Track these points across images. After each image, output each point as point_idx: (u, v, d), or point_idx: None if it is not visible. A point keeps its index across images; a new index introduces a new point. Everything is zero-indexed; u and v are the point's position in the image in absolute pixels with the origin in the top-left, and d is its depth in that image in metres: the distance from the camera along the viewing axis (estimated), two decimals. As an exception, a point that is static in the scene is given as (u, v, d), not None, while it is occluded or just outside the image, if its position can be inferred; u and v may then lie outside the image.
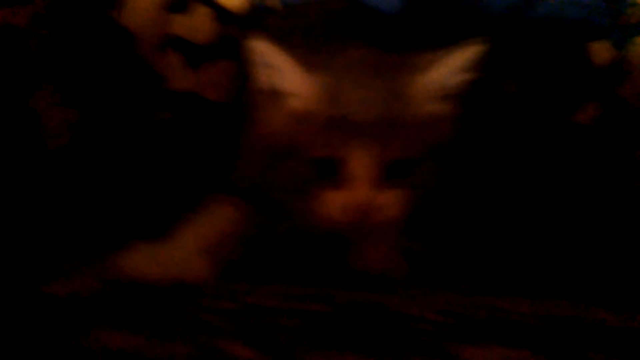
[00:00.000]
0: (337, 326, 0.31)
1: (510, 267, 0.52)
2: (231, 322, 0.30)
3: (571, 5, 0.62)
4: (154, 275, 0.36)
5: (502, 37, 0.62)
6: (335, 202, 0.37)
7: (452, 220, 0.60)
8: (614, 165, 0.59)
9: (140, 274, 0.36)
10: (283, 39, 0.40)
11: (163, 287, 0.36)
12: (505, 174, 0.61)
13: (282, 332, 0.29)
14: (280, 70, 0.39)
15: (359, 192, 0.36)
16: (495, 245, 0.57)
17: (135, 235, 0.40)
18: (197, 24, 0.61)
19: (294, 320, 0.31)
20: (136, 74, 0.60)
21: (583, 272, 0.52)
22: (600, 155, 0.59)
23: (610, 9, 0.60)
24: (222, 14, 0.62)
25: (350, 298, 0.36)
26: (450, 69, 0.39)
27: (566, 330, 0.33)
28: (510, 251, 0.56)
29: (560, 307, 0.39)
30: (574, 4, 0.62)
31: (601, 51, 0.61)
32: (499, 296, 0.41)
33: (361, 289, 0.39)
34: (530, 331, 0.33)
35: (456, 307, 0.36)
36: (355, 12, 0.57)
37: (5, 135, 0.59)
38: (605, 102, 0.60)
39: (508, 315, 0.36)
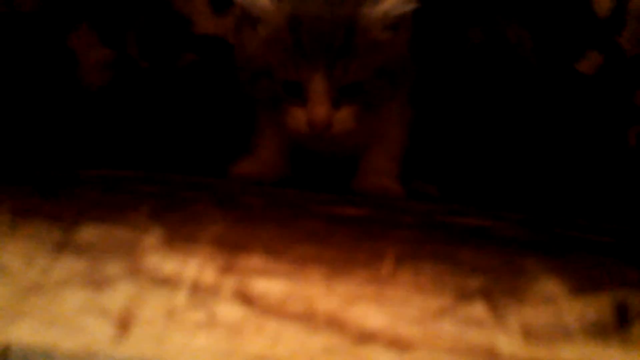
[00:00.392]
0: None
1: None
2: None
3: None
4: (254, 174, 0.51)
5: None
6: (301, 118, 0.44)
7: (459, 159, 0.65)
8: (613, 111, 0.63)
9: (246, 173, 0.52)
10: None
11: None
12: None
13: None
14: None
15: (318, 110, 0.43)
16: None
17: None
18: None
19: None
20: (165, 17, 0.65)
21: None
22: (600, 102, 0.63)
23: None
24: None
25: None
26: (392, 3, 0.45)
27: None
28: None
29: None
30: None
31: (603, 1, 0.64)
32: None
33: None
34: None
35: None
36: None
37: (44, 76, 0.64)
38: (606, 51, 0.64)
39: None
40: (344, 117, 0.44)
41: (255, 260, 0.23)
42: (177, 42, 0.65)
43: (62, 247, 0.25)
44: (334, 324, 0.21)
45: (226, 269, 0.23)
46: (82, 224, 0.26)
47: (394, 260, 0.23)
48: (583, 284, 0.19)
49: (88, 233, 0.25)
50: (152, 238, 0.24)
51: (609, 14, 0.63)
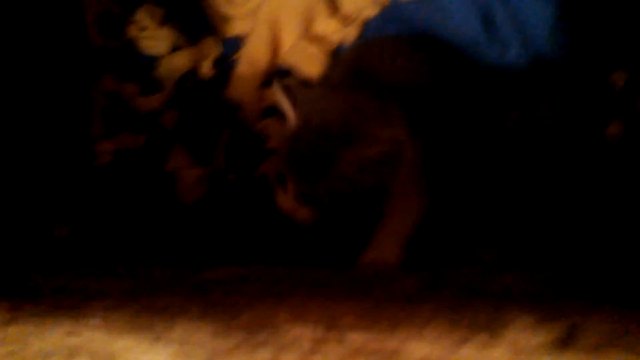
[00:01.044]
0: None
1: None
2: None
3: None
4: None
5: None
6: (282, 200, 0.58)
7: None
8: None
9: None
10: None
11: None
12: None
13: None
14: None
15: (285, 201, 0.58)
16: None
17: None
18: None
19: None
20: (245, 135, 0.79)
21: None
22: (627, 167, 0.70)
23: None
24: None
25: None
26: (374, 155, 0.55)
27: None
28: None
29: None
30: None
31: (617, 78, 0.73)
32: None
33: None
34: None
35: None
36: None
37: (146, 195, 0.78)
38: (628, 119, 0.72)
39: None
40: (306, 214, 0.58)
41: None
42: (255, 156, 0.78)
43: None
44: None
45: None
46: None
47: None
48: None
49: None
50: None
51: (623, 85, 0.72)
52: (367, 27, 0.88)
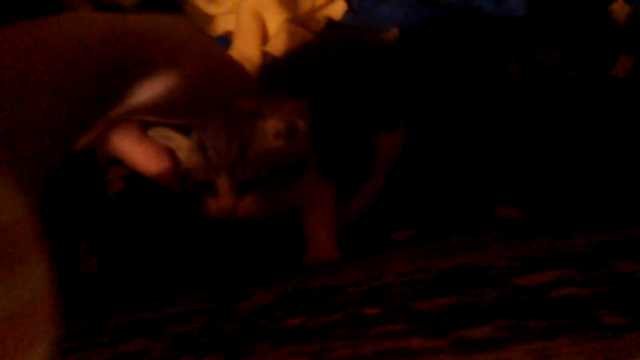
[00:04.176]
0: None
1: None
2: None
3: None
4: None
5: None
6: (213, 206, 0.57)
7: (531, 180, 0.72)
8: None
9: None
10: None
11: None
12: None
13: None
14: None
15: (223, 201, 0.57)
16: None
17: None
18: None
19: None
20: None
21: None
22: (636, 103, 0.69)
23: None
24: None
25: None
26: (281, 119, 0.57)
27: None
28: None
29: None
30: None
31: (619, 10, 0.70)
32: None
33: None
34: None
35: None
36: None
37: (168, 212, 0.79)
38: (635, 53, 0.70)
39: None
40: (247, 203, 0.57)
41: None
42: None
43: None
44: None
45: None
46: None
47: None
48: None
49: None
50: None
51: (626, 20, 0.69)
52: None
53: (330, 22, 0.86)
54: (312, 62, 0.74)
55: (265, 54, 0.86)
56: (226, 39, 0.88)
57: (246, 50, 0.85)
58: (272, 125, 0.58)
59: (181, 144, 0.60)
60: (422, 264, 0.54)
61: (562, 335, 0.28)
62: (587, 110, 0.71)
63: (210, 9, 0.87)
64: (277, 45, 0.85)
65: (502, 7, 0.78)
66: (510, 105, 0.77)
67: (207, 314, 0.53)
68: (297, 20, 0.86)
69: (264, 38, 0.86)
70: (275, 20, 0.86)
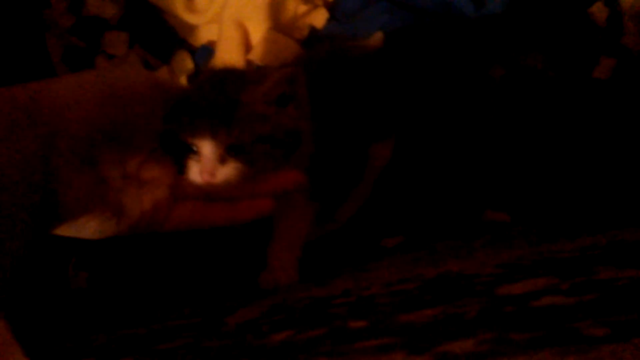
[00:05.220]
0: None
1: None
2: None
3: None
4: None
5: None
6: (195, 170, 0.54)
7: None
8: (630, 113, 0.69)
9: None
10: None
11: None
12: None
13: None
14: None
15: (206, 164, 0.54)
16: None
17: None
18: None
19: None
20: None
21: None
22: (618, 104, 0.69)
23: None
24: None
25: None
26: (272, 84, 0.55)
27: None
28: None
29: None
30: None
31: (599, 12, 0.71)
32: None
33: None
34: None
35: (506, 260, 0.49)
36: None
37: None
38: (616, 54, 0.70)
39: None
40: (227, 170, 0.55)
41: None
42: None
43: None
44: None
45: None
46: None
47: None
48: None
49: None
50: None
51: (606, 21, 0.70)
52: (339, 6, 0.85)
53: (314, 30, 0.86)
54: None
55: (249, 63, 0.86)
56: (209, 49, 0.87)
57: (229, 59, 0.85)
58: (260, 90, 0.56)
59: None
60: (409, 273, 0.54)
61: (544, 348, 0.28)
62: (571, 112, 0.72)
63: (192, 19, 0.87)
64: (260, 53, 0.85)
65: (482, 10, 0.79)
66: (495, 110, 0.78)
67: (194, 330, 0.53)
68: (279, 28, 0.86)
69: (247, 46, 0.86)
70: (258, 29, 0.85)
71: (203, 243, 0.79)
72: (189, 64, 0.87)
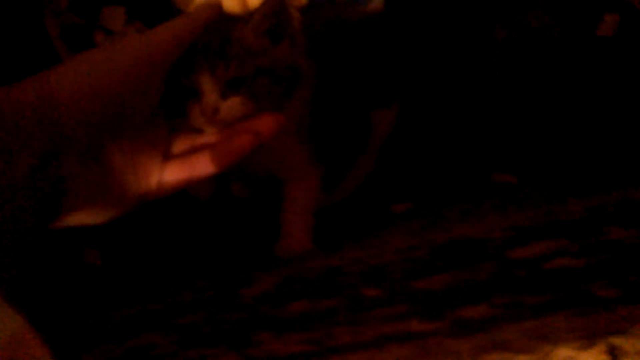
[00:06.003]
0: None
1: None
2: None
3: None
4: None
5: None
6: (197, 110, 0.53)
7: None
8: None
9: None
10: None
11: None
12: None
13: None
14: None
15: (206, 100, 0.53)
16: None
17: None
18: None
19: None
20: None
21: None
22: (624, 61, 0.68)
23: None
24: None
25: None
26: (258, 16, 0.55)
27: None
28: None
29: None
30: None
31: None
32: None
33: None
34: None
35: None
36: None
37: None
38: (620, 10, 0.69)
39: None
40: (231, 104, 0.54)
41: None
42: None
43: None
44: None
45: None
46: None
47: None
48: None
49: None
50: None
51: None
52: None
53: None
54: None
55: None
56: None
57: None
58: (252, 22, 0.56)
59: None
60: (419, 239, 0.55)
61: (557, 311, 0.28)
62: (576, 71, 0.71)
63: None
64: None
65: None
66: (499, 71, 0.77)
67: (210, 303, 0.54)
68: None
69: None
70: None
71: (215, 215, 0.79)
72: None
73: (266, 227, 0.72)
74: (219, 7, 0.53)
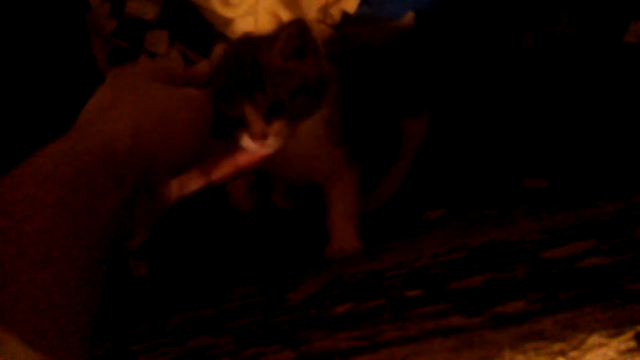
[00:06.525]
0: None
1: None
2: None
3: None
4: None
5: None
6: (246, 136, 0.58)
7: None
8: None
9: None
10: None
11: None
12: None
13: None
14: None
15: (254, 128, 0.58)
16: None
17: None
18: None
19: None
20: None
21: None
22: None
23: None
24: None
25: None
26: (283, 40, 0.59)
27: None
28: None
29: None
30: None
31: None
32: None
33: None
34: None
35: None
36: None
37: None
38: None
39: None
40: (277, 128, 0.58)
41: None
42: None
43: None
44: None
45: None
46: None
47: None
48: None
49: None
50: None
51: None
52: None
53: (346, 15, 0.88)
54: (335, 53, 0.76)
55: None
56: (246, 41, 0.91)
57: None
58: (278, 46, 0.59)
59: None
60: (455, 243, 0.57)
61: (588, 304, 0.31)
62: (604, 77, 0.73)
63: (228, 13, 0.91)
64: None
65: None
66: (528, 79, 0.79)
67: (259, 307, 0.57)
68: (313, 16, 0.89)
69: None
70: (292, 18, 0.89)
71: (258, 225, 0.83)
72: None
73: (310, 235, 0.75)
74: None
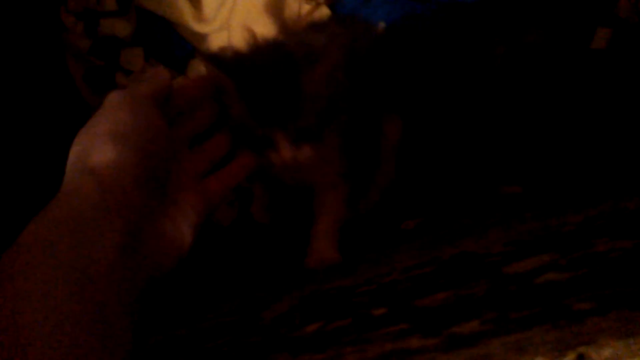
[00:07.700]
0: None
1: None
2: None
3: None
4: None
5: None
6: (276, 159, 0.59)
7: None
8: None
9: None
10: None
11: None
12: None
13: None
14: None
15: (284, 154, 0.59)
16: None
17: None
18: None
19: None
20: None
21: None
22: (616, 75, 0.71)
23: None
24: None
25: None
26: (330, 67, 0.59)
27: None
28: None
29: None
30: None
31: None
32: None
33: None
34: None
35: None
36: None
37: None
38: (613, 25, 0.72)
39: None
40: (304, 152, 0.59)
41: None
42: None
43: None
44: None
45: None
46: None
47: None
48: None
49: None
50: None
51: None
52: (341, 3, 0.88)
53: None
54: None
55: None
56: (221, 55, 0.91)
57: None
58: (320, 74, 0.58)
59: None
60: (427, 256, 0.58)
61: (536, 325, 0.32)
62: (573, 84, 0.74)
63: (202, 28, 0.91)
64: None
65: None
66: (500, 87, 0.80)
67: (233, 327, 0.57)
68: (285, 28, 0.89)
69: (257, 49, 0.90)
70: (265, 31, 0.89)
71: (239, 239, 0.83)
72: (203, 71, 0.91)
73: (286, 250, 0.76)
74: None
